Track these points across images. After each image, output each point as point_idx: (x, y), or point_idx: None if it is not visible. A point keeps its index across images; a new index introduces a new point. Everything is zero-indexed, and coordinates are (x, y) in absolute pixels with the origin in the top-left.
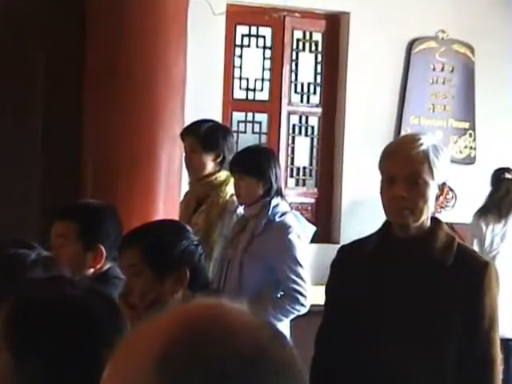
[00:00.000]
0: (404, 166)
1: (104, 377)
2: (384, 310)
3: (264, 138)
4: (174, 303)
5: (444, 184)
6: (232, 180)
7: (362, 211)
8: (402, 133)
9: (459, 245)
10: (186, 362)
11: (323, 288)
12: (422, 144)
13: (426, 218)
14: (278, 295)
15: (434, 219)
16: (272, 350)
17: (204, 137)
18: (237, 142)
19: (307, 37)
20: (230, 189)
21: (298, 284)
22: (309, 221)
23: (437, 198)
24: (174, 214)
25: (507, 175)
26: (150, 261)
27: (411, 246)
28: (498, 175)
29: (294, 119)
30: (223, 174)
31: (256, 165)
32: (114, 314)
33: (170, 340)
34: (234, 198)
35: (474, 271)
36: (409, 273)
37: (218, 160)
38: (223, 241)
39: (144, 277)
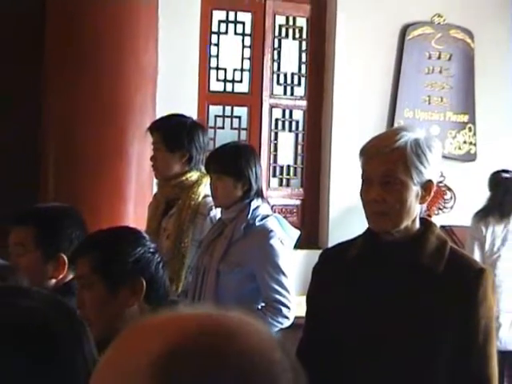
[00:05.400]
0: (378, 166)
1: (95, 372)
2: (368, 322)
3: (244, 134)
4: (129, 318)
5: (430, 182)
6: (205, 180)
7: (352, 214)
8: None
9: (452, 249)
10: (188, 372)
11: None
12: (398, 140)
13: (410, 222)
14: (259, 306)
15: (425, 221)
16: (283, 378)
17: (167, 136)
18: (214, 139)
19: (290, 22)
20: (202, 190)
21: (280, 294)
22: (294, 225)
23: (422, 199)
24: (145, 218)
25: (504, 175)
26: (100, 272)
27: (397, 250)
28: (496, 177)
29: (277, 113)
30: (195, 174)
31: (234, 164)
32: (76, 328)
33: (181, 341)
34: (207, 199)
35: (468, 279)
36: (395, 281)
37: (183, 160)
38: (196, 247)
39: (95, 289)
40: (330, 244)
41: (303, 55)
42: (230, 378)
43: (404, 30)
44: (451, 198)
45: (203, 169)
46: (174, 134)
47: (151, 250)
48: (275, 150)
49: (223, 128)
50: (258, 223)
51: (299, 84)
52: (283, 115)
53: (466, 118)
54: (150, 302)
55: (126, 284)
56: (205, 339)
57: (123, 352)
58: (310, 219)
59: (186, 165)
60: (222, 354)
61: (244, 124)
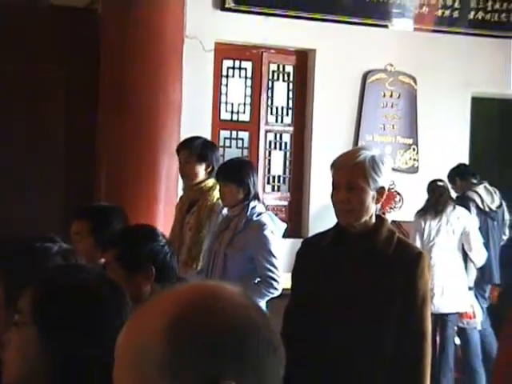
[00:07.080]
0: (344, 176)
1: (119, 340)
2: (338, 293)
3: (246, 152)
4: (144, 296)
5: (382, 188)
6: (218, 186)
7: (327, 212)
8: None
9: (398, 238)
10: (193, 329)
11: None
12: (359, 156)
13: (368, 217)
14: (256, 281)
15: (379, 217)
16: (264, 329)
17: (198, 150)
18: (223, 155)
19: (281, 69)
20: (216, 193)
21: (271, 272)
22: (282, 220)
23: (377, 201)
24: (172, 215)
25: (438, 183)
26: (121, 262)
27: (359, 239)
28: (432, 185)
29: (271, 136)
30: (211, 181)
31: (237, 174)
32: (119, 295)
33: (183, 309)
34: (219, 201)
35: (410, 260)
36: (357, 262)
37: (209, 170)
38: (211, 236)
39: (117, 274)
40: (310, 234)
41: (290, 93)
42: (218, 325)
43: (365, 76)
44: (400, 200)
45: None
46: (202, 149)
47: (161, 243)
48: (269, 164)
49: (230, 147)
50: (255, 219)
51: (287, 114)
52: (275, 138)
53: (411, 141)
54: (161, 283)
55: (140, 271)
56: (200, 302)
57: (146, 314)
58: (295, 216)
59: (208, 173)
60: (211, 310)
61: (246, 144)
